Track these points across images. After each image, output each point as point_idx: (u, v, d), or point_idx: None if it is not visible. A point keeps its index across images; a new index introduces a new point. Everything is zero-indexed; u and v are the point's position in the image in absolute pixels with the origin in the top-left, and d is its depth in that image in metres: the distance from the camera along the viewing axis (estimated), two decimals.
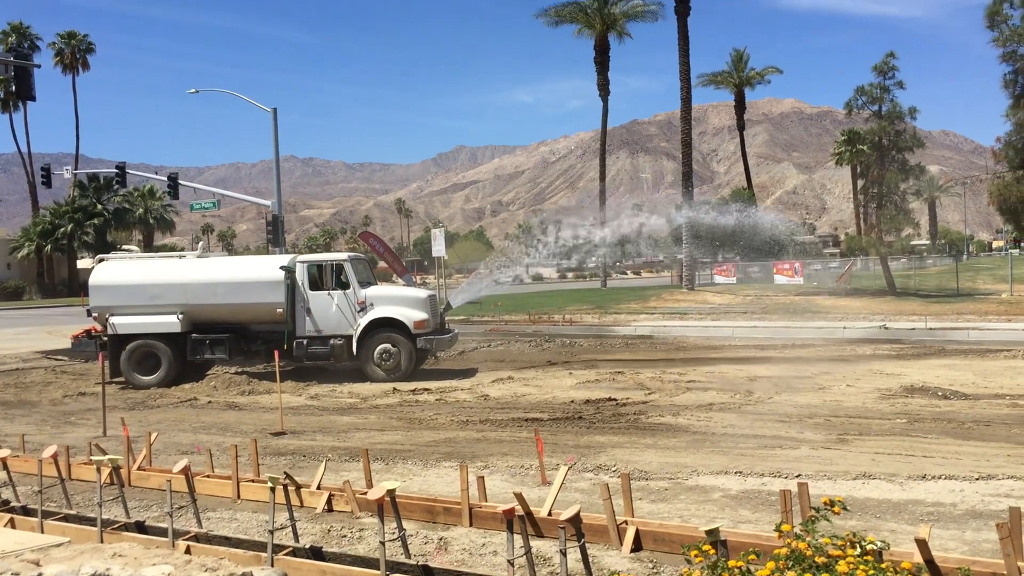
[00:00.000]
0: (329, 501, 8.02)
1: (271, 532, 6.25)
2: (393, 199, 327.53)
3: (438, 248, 33.06)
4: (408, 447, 10.99)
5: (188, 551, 6.55)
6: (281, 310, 18.00)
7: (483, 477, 7.72)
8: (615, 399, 14.25)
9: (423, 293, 19.62)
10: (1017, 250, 68.16)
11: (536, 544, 6.46)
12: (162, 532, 6.83)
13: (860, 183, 45.09)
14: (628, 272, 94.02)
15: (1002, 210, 35.07)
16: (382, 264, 44.02)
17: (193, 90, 39.40)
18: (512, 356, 21.90)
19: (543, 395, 15.22)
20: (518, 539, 5.36)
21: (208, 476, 8.99)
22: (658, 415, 12.69)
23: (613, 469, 9.22)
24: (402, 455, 10.43)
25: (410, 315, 18.00)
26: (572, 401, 14.29)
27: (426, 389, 16.34)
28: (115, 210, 74.14)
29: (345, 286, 18.21)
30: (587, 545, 5.61)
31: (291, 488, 7.65)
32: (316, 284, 18.36)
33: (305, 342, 18.13)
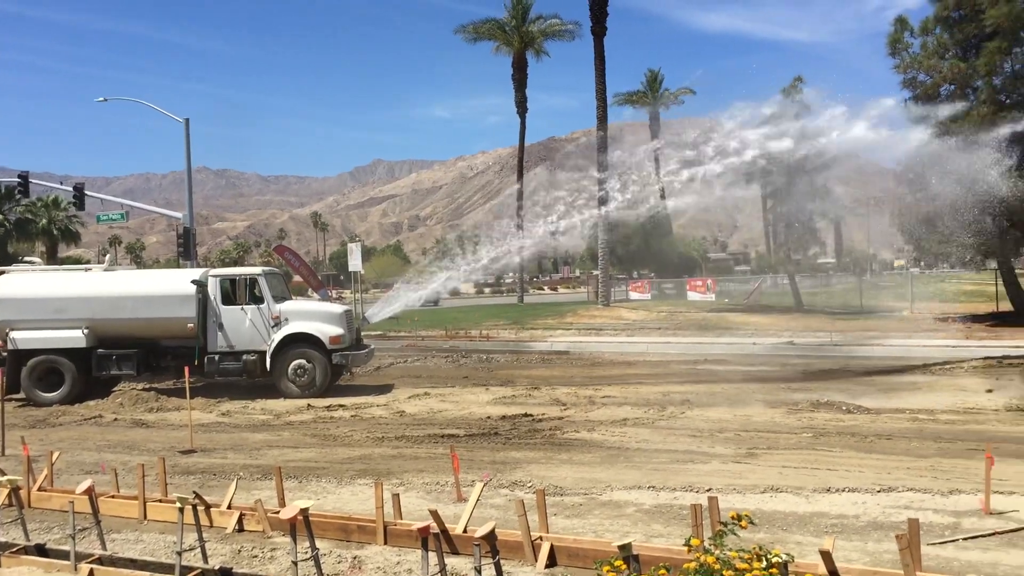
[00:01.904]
0: (240, 521, 7.85)
1: (179, 553, 6.09)
2: (309, 212, 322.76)
3: (355, 263, 32.80)
4: (322, 464, 10.85)
5: (91, 574, 6.34)
6: (192, 325, 17.59)
7: (398, 494, 7.68)
8: (531, 415, 14.32)
9: (339, 308, 19.41)
10: (917, 269, 70.94)
11: (451, 561, 6.45)
12: (64, 555, 6.59)
13: (769, 203, 46.34)
14: (545, 288, 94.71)
15: (903, 231, 36.44)
16: (297, 278, 43.38)
17: (102, 99, 38.43)
18: (429, 372, 21.83)
19: (460, 411, 15.20)
20: (433, 557, 5.34)
21: (113, 496, 8.71)
22: (573, 431, 12.80)
23: (529, 485, 9.27)
24: (316, 473, 10.28)
25: (325, 330, 17.79)
26: (488, 417, 14.31)
27: (341, 405, 16.15)
28: (16, 221, 71.15)
29: (259, 301, 17.91)
30: (502, 562, 5.63)
31: (200, 508, 7.47)
32: (229, 299, 18.00)
33: (217, 358, 17.75)
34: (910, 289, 39.50)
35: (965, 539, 7.09)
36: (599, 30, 44.83)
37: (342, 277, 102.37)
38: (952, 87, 31.53)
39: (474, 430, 13.13)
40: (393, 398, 17.00)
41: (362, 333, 20.17)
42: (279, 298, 18.30)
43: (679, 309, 42.57)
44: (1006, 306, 34.26)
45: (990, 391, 15.60)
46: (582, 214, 24.38)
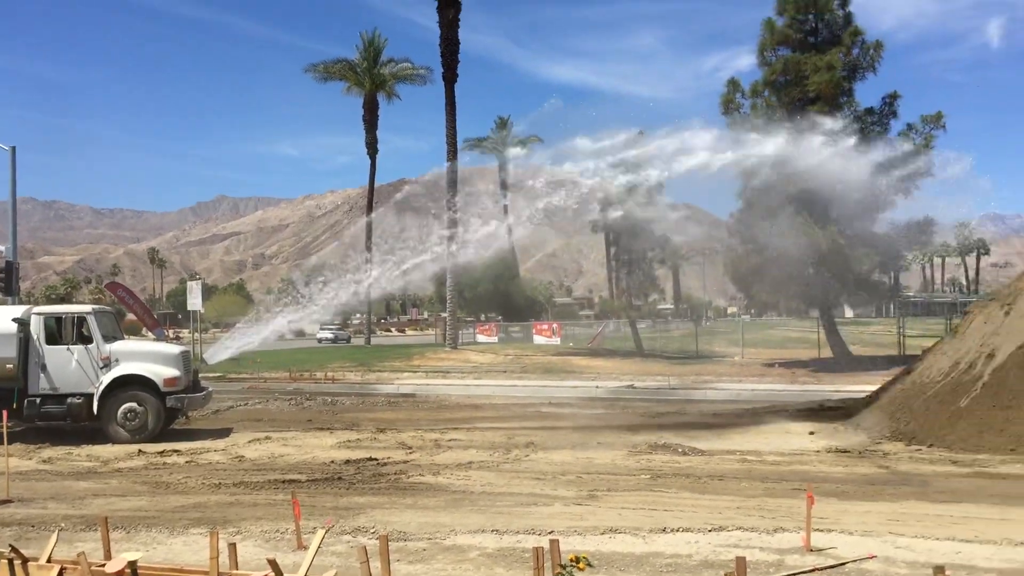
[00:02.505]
0: (61, 575, 7.36)
1: None
2: (146, 248, 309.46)
3: (194, 301, 31.68)
4: (153, 513, 10.33)
5: None
6: (12, 366, 16.48)
7: (235, 544, 7.40)
8: (376, 459, 14.14)
9: (175, 349, 18.64)
10: (748, 316, 74.76)
11: None
12: None
13: (613, 250, 47.93)
14: (393, 329, 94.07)
15: (734, 279, 38.44)
16: (132, 317, 41.43)
17: None
18: (271, 415, 21.22)
19: (302, 455, 14.84)
20: None
21: None
22: (419, 474, 12.73)
23: (372, 531, 9.13)
24: (146, 522, 9.78)
25: (159, 372, 17.02)
26: (332, 461, 14.03)
27: (176, 451, 15.45)
28: None
29: (87, 340, 16.96)
30: None
31: (17, 562, 6.97)
32: (54, 338, 16.95)
33: (38, 400, 16.65)
34: (741, 335, 41.57)
35: (788, 575, 7.48)
36: (450, 76, 45.49)
37: (180, 316, 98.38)
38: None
39: (317, 475, 12.84)
40: (232, 442, 16.41)
41: (200, 375, 19.42)
42: (110, 338, 17.40)
43: (525, 352, 43.18)
44: (827, 353, 36.55)
45: (812, 433, 16.56)
46: (430, 255, 24.49)
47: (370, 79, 54.61)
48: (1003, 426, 14.36)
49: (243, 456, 14.85)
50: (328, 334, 69.74)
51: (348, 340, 72.75)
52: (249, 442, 16.34)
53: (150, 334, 37.06)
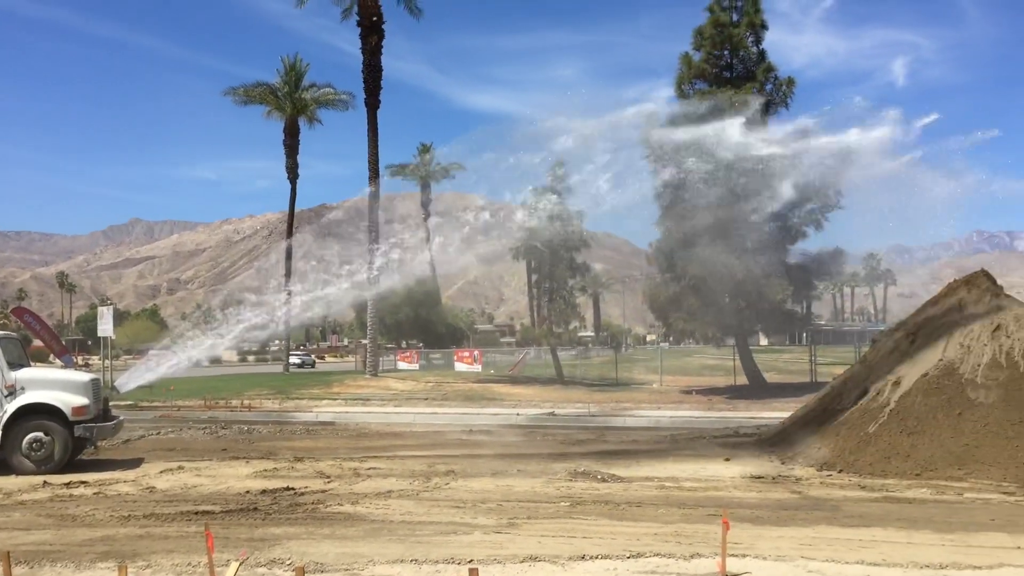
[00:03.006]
0: None
1: None
2: (55, 272, 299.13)
3: (105, 327, 30.81)
4: (59, 547, 9.95)
5: None
6: None
7: None
8: (293, 488, 13.89)
9: (84, 376, 18.03)
10: (666, 344, 75.95)
11: None
12: None
13: (534, 277, 48.27)
14: (312, 356, 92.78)
15: (653, 308, 39.07)
16: (38, 343, 40.00)
17: None
18: (184, 444, 20.66)
19: (216, 486, 14.48)
20: None
21: None
22: (337, 504, 12.55)
23: (288, 562, 8.97)
24: (51, 557, 9.42)
25: (67, 400, 16.42)
26: (247, 491, 13.73)
27: (83, 482, 14.91)
28: None
29: None
30: None
31: None
32: None
33: None
34: (660, 363, 42.21)
35: None
36: (372, 102, 45.43)
37: (90, 342, 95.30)
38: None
39: (231, 506, 12.54)
40: (143, 473, 15.92)
41: (111, 403, 18.82)
42: (15, 365, 16.73)
43: (447, 379, 43.04)
44: (742, 380, 37.36)
45: (728, 460, 16.88)
46: (350, 281, 24.32)
47: (291, 103, 54.15)
48: (909, 452, 14.89)
49: (154, 487, 14.42)
50: (296, 359, 69.26)
51: (313, 365, 75.51)
52: (161, 472, 15.88)
53: (58, 361, 35.80)
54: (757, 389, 34.71)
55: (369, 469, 16.03)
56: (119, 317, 55.49)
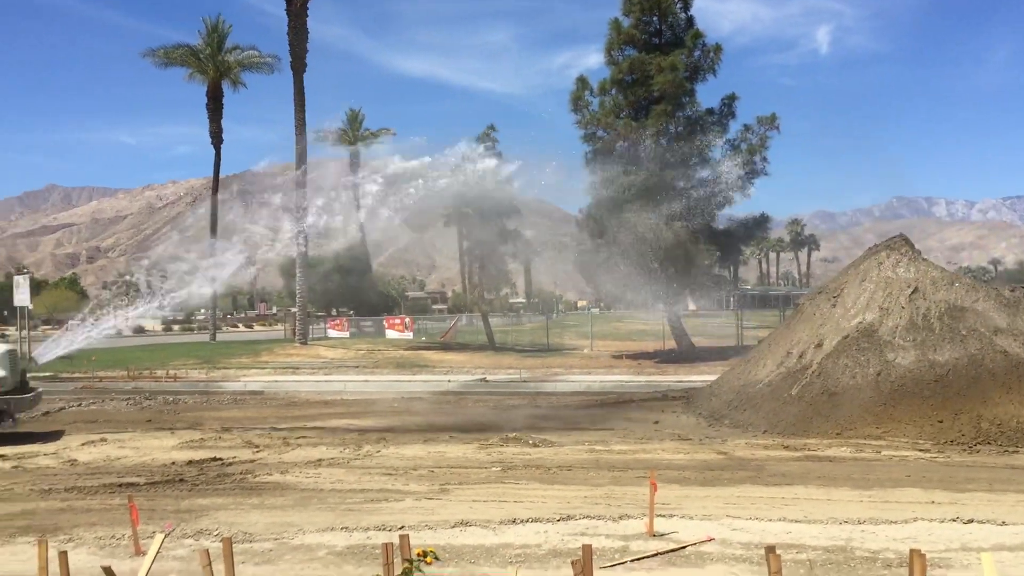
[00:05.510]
0: None
1: None
2: None
3: (21, 297, 29.81)
4: None
5: None
6: None
7: (66, 552, 7.00)
8: (221, 459, 13.69)
9: (0, 348, 17.46)
10: (597, 310, 76.59)
11: None
12: None
13: (465, 244, 48.16)
14: (240, 325, 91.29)
15: (584, 273, 39.30)
16: None
17: None
18: (107, 416, 20.18)
19: (141, 457, 14.18)
20: None
21: None
22: (266, 474, 12.40)
23: (215, 533, 8.84)
24: None
25: None
26: (173, 463, 13.48)
27: (1, 455, 14.47)
28: None
29: None
30: None
31: None
32: None
33: None
34: (590, 328, 42.56)
35: (632, 560, 7.74)
36: (299, 66, 44.47)
37: (6, 313, 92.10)
38: (626, 144, 34.68)
39: (156, 477, 12.30)
40: (64, 445, 15.51)
41: (28, 375, 18.25)
42: None
43: (377, 347, 42.76)
44: (672, 344, 37.92)
45: (657, 423, 17.16)
46: (277, 247, 23.89)
47: (214, 66, 52.52)
48: (830, 412, 15.33)
49: (76, 460, 14.07)
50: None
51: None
52: (83, 445, 15.49)
53: None
54: (686, 353, 35.26)
55: (299, 438, 15.88)
56: (36, 286, 53.67)
